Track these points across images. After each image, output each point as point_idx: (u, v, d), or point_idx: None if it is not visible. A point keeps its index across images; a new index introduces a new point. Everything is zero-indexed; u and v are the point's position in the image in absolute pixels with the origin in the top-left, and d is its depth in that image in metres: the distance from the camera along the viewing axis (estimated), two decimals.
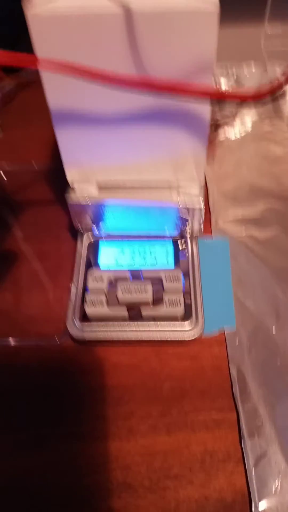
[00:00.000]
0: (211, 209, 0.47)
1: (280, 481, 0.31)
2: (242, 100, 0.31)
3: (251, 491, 0.31)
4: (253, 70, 0.61)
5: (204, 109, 0.33)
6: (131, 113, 0.33)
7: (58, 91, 0.32)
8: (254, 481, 0.31)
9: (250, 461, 0.32)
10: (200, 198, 0.38)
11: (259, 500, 0.31)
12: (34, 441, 0.34)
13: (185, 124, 0.34)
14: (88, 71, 0.27)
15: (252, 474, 0.32)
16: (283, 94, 0.59)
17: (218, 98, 0.32)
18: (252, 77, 0.60)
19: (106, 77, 0.28)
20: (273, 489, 0.31)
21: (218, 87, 0.55)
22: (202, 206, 0.38)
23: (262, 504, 0.31)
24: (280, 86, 0.30)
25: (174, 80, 0.29)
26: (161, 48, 0.29)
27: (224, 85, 0.61)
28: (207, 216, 0.46)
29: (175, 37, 0.28)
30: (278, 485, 0.31)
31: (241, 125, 0.56)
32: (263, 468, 0.32)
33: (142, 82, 0.29)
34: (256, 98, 0.31)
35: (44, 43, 0.28)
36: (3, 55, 0.26)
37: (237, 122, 0.57)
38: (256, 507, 0.30)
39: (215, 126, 0.56)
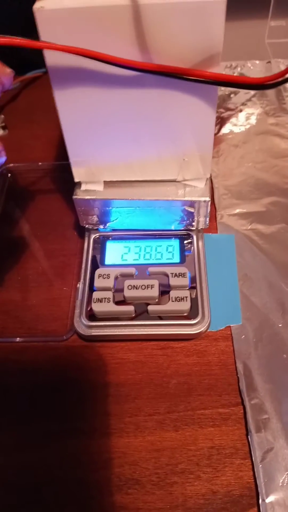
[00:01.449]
0: (216, 205, 0.47)
1: (287, 475, 0.32)
2: (251, 83, 0.31)
3: (258, 486, 0.31)
4: (258, 69, 0.61)
5: (210, 103, 0.33)
6: (137, 109, 0.34)
7: (65, 91, 0.32)
8: (261, 476, 0.32)
9: (257, 455, 0.32)
10: (207, 190, 0.38)
11: (267, 494, 0.31)
12: (42, 436, 0.34)
13: (191, 119, 0.34)
14: (98, 54, 0.28)
15: (259, 469, 0.32)
16: None
17: (226, 82, 0.31)
18: (257, 76, 0.60)
19: (119, 60, 0.28)
20: (280, 483, 0.31)
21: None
22: (208, 198, 0.38)
23: (270, 498, 0.31)
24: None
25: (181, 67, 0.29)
26: (169, 38, 0.29)
27: None
28: (212, 212, 0.46)
29: (182, 28, 0.29)
30: (285, 479, 0.31)
31: (246, 119, 0.56)
32: (270, 462, 0.32)
33: (150, 65, 0.29)
34: (264, 81, 0.30)
35: (50, 36, 0.28)
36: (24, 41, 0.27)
37: (242, 116, 0.57)
38: (264, 501, 0.31)
39: (220, 120, 0.56)
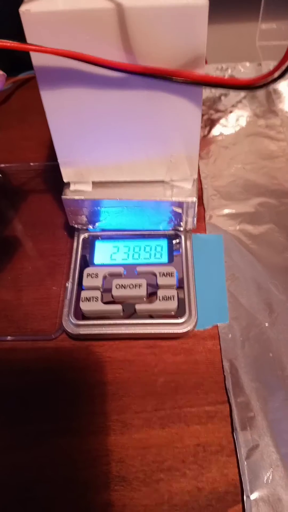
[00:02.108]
0: (205, 205, 0.48)
1: (271, 472, 0.32)
2: (238, 85, 0.31)
3: (243, 482, 0.32)
4: (249, 71, 0.62)
5: (195, 105, 0.33)
6: (124, 111, 0.34)
7: (53, 92, 0.33)
8: (246, 473, 0.32)
9: (242, 453, 0.33)
10: (194, 191, 0.39)
11: (251, 491, 0.31)
12: (31, 436, 0.35)
13: (178, 120, 0.35)
14: (86, 57, 0.28)
15: (244, 466, 0.32)
16: (279, 94, 0.60)
17: (213, 84, 0.32)
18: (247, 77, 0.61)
19: (107, 62, 0.29)
20: (265, 480, 0.32)
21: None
22: (195, 199, 0.39)
23: (254, 495, 0.31)
24: (275, 69, 0.30)
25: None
26: (153, 41, 0.29)
27: None
28: (201, 212, 0.47)
29: (166, 31, 0.29)
30: (269, 477, 0.32)
31: (236, 121, 0.57)
32: (255, 460, 0.32)
33: (138, 67, 0.30)
34: (252, 83, 0.31)
35: (37, 38, 0.29)
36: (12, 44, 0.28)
37: (232, 118, 0.57)
38: (248, 497, 0.31)
39: (210, 121, 0.57)
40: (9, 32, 0.30)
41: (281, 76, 0.29)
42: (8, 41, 0.28)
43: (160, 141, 0.36)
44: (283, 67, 0.29)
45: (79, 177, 0.39)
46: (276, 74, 0.29)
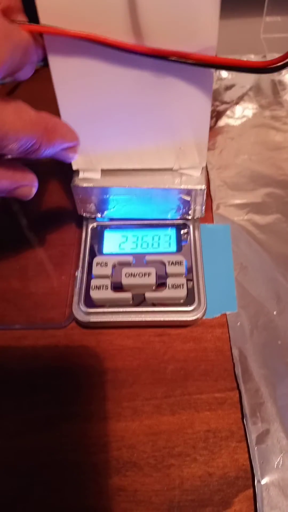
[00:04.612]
0: (212, 196, 0.48)
1: (282, 457, 0.32)
2: (251, 67, 0.31)
3: (253, 468, 0.32)
4: None
5: (205, 92, 0.34)
6: (134, 98, 0.34)
7: (65, 80, 0.33)
8: (256, 458, 0.32)
9: (252, 438, 0.33)
10: (202, 179, 0.39)
11: (262, 476, 0.31)
12: (42, 421, 0.35)
13: (187, 108, 0.35)
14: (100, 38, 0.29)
15: (255, 451, 0.32)
16: (285, 85, 0.60)
17: (225, 66, 0.32)
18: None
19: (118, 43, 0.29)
20: (275, 465, 0.32)
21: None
22: (204, 187, 0.39)
23: (265, 480, 0.31)
24: None
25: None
26: (164, 27, 0.30)
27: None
28: (208, 203, 0.47)
29: (177, 16, 0.29)
30: (280, 462, 0.32)
31: (241, 112, 0.57)
32: (265, 445, 0.33)
33: (148, 48, 0.30)
34: (264, 65, 0.31)
35: (50, 19, 0.29)
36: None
37: (238, 109, 0.57)
38: (259, 482, 0.31)
39: (216, 113, 0.57)
40: None
41: None
42: (36, 24, 0.29)
43: (169, 128, 0.36)
44: None
45: (88, 164, 0.39)
46: None
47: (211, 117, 0.56)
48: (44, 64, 0.32)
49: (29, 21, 0.30)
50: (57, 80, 0.33)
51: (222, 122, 0.56)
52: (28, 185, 0.35)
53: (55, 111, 0.35)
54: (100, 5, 0.28)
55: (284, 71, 0.60)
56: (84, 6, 0.28)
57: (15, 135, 0.29)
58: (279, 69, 0.30)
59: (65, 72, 0.32)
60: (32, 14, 0.30)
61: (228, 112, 0.57)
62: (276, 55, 0.58)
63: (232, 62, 0.31)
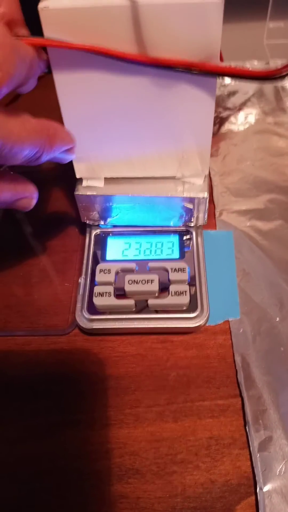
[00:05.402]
0: (215, 202, 0.48)
1: (284, 464, 0.32)
2: (254, 76, 0.31)
3: (256, 475, 0.32)
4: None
5: (208, 101, 0.34)
6: (137, 107, 0.34)
7: (68, 88, 0.33)
8: (259, 465, 0.32)
9: (254, 445, 0.33)
10: (205, 187, 0.39)
11: (264, 483, 0.31)
12: (45, 427, 0.35)
13: (190, 116, 0.35)
14: (105, 50, 0.29)
15: (257, 458, 0.32)
16: (287, 92, 0.60)
17: (229, 74, 0.32)
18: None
19: (123, 55, 0.30)
20: (277, 473, 0.32)
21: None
22: (207, 195, 0.39)
23: (267, 487, 0.31)
24: None
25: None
26: (168, 39, 0.30)
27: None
28: (211, 209, 0.47)
29: (181, 28, 0.29)
30: (282, 469, 0.32)
31: (244, 118, 0.57)
32: (268, 452, 0.33)
33: (152, 59, 0.30)
34: (268, 74, 0.31)
35: (54, 34, 0.29)
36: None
37: (240, 115, 0.57)
38: (261, 489, 0.31)
39: (219, 119, 0.57)
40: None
41: None
42: (40, 37, 0.29)
43: (172, 137, 0.37)
44: None
45: (91, 172, 0.39)
46: None
47: (214, 124, 0.57)
48: (47, 71, 0.33)
49: (31, 34, 0.31)
50: (60, 89, 0.33)
51: (225, 128, 0.56)
52: (28, 196, 0.35)
53: (58, 118, 0.35)
54: (104, 16, 0.29)
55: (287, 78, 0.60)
56: (88, 17, 0.29)
57: (21, 146, 0.30)
58: (282, 77, 0.30)
59: (69, 82, 0.32)
60: (33, 25, 0.30)
61: (231, 118, 0.57)
62: (279, 61, 0.59)
63: (235, 71, 0.31)
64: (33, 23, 0.30)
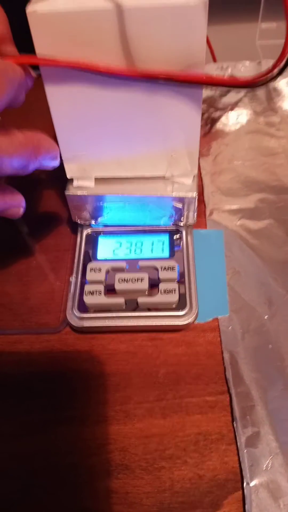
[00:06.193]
0: (205, 201, 0.48)
1: (271, 460, 0.33)
2: (234, 85, 0.32)
3: (243, 470, 0.32)
4: (249, 70, 0.62)
5: (196, 101, 0.34)
6: (126, 109, 0.35)
7: (57, 90, 0.34)
8: (246, 460, 0.33)
9: (242, 441, 0.33)
10: (194, 186, 0.40)
11: (251, 478, 0.32)
12: (36, 425, 0.35)
13: (178, 117, 0.35)
14: (90, 65, 0.30)
15: (244, 454, 0.33)
16: (279, 92, 0.60)
17: (211, 84, 0.33)
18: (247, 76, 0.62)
19: (108, 69, 0.31)
20: (264, 468, 0.32)
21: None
22: (195, 194, 0.39)
23: (254, 482, 0.32)
24: (273, 67, 0.31)
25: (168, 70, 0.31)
26: (153, 41, 0.30)
27: None
28: (202, 209, 0.48)
29: (166, 30, 0.30)
30: (269, 464, 0.33)
31: (236, 118, 0.58)
32: (255, 448, 0.33)
33: (138, 72, 0.31)
34: (250, 82, 0.32)
35: (42, 37, 0.30)
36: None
37: (232, 115, 0.58)
38: (248, 484, 0.32)
39: (211, 119, 0.57)
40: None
41: (279, 74, 0.30)
42: (27, 56, 0.31)
43: (161, 137, 0.37)
44: (281, 65, 0.30)
45: (82, 172, 0.40)
46: (275, 72, 0.30)
47: (206, 123, 0.57)
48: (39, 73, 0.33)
49: (19, 51, 0.32)
50: (49, 91, 0.34)
51: (217, 128, 0.57)
52: (16, 206, 0.36)
53: (50, 120, 0.36)
54: (90, 20, 0.29)
55: (278, 78, 0.60)
56: (75, 21, 0.29)
57: (9, 159, 0.31)
58: (263, 84, 0.31)
59: (58, 85, 0.33)
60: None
61: (222, 118, 0.58)
62: (272, 62, 0.59)
63: (218, 80, 0.32)
64: (21, 36, 0.31)
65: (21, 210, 0.37)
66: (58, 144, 0.37)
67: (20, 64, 0.30)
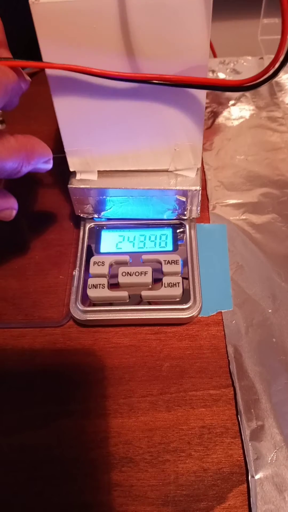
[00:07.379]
0: (208, 196, 0.48)
1: (276, 453, 0.33)
2: (234, 86, 0.32)
3: (247, 463, 0.32)
4: (251, 65, 0.62)
5: (199, 95, 0.34)
6: (129, 104, 0.35)
7: (61, 84, 0.34)
8: (250, 453, 0.33)
9: (246, 434, 0.33)
10: (197, 180, 0.40)
11: (256, 471, 0.32)
12: (41, 417, 0.35)
13: (181, 110, 0.35)
14: (85, 69, 0.30)
15: (249, 447, 0.33)
16: (282, 86, 0.60)
17: (211, 86, 0.33)
18: (250, 72, 0.61)
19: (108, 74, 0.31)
20: (269, 461, 0.32)
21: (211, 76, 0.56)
22: (199, 188, 0.39)
23: (259, 475, 0.32)
24: (270, 66, 0.31)
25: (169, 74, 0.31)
26: (153, 35, 0.30)
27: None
28: (205, 203, 0.48)
29: (168, 27, 0.30)
30: (274, 457, 0.32)
31: (239, 113, 0.57)
32: (260, 441, 0.33)
33: (139, 75, 0.31)
34: (248, 83, 0.32)
35: (45, 29, 0.30)
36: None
37: (235, 110, 0.58)
38: (253, 477, 0.32)
39: (213, 114, 0.57)
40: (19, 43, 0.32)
41: (273, 75, 0.31)
42: (21, 60, 0.30)
43: (164, 131, 0.37)
44: (276, 66, 0.30)
45: (84, 166, 0.40)
46: (271, 72, 0.30)
47: (209, 118, 0.57)
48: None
49: (12, 56, 0.32)
50: (53, 86, 0.34)
51: (220, 123, 0.57)
52: (9, 208, 0.37)
53: (52, 114, 0.36)
54: (93, 11, 0.29)
55: (281, 72, 0.60)
56: (77, 12, 0.29)
57: (2, 164, 0.32)
58: (251, 88, 0.31)
59: (61, 80, 0.33)
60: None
61: (225, 113, 0.58)
62: (273, 57, 0.59)
63: (208, 81, 0.32)
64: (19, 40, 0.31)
65: (14, 213, 0.37)
66: (61, 138, 0.38)
67: (14, 68, 0.31)
